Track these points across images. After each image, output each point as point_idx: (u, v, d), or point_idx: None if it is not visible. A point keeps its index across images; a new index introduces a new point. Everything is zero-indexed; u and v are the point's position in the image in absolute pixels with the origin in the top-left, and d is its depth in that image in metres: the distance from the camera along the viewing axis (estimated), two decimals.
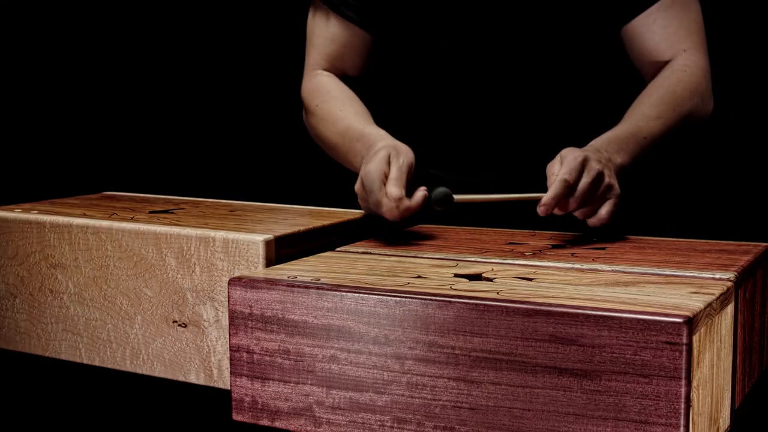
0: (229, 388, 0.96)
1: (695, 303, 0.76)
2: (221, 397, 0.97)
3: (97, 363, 1.09)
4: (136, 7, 2.26)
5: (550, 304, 0.76)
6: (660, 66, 1.30)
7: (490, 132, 1.33)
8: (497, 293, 0.81)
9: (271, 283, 0.87)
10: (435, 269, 0.92)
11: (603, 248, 1.03)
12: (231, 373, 0.89)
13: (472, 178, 1.34)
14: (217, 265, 1.00)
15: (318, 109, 1.32)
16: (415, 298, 0.81)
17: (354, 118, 1.27)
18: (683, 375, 0.72)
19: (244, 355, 0.88)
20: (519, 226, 1.18)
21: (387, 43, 1.35)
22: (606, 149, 1.17)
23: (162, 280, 1.03)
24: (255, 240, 0.98)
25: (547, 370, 0.76)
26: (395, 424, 0.82)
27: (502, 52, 1.29)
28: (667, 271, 0.90)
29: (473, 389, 0.79)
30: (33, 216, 1.12)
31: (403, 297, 0.81)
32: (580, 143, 1.17)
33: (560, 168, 1.07)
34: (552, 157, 1.11)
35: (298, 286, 0.85)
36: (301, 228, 1.05)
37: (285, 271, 0.92)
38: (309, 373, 0.85)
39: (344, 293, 0.83)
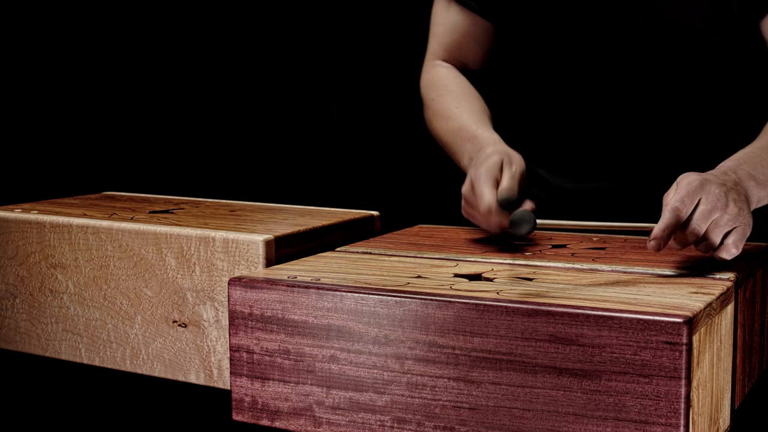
0: (229, 388, 0.96)
1: (695, 303, 0.76)
2: (221, 397, 0.97)
3: (97, 363, 1.09)
4: (137, 7, 2.26)
5: (550, 304, 0.76)
6: None
7: (606, 134, 1.24)
8: (497, 293, 0.81)
9: (271, 283, 0.87)
10: (435, 269, 0.92)
11: (603, 248, 1.03)
12: (231, 373, 0.89)
13: (576, 184, 1.25)
14: (217, 265, 1.00)
15: (433, 102, 1.27)
16: (415, 298, 0.81)
17: (468, 116, 1.21)
18: (683, 375, 0.72)
19: (244, 355, 0.88)
20: None
21: (508, 33, 1.27)
22: (736, 170, 1.02)
23: (162, 280, 1.03)
24: (255, 240, 0.98)
25: (547, 370, 0.76)
26: (395, 424, 0.82)
27: (628, 47, 1.19)
28: (667, 271, 0.90)
29: (473, 389, 0.79)
30: (33, 216, 1.12)
31: (403, 297, 0.81)
32: (711, 159, 1.05)
33: (674, 196, 0.93)
34: (675, 172, 0.99)
35: (298, 286, 0.85)
36: (301, 228, 1.05)
37: (285, 271, 0.92)
38: (309, 373, 0.85)
39: (344, 293, 0.83)
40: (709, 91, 1.20)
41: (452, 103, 1.24)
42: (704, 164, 1.02)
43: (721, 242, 0.93)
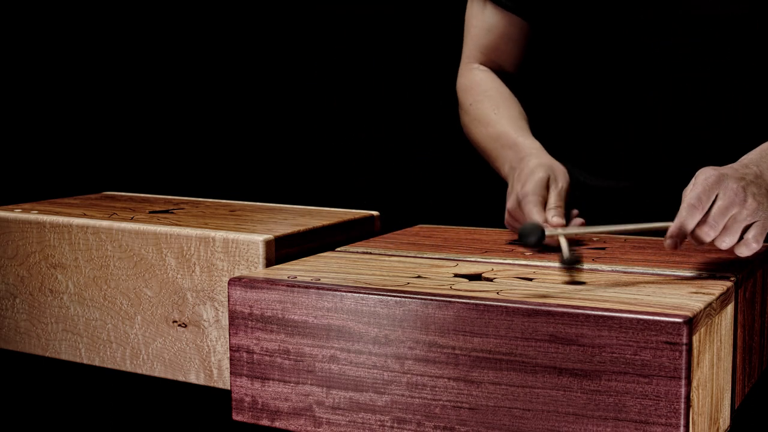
0: (229, 388, 0.96)
1: (695, 303, 0.76)
2: (221, 397, 0.97)
3: (97, 363, 1.09)
4: (137, 7, 2.26)
5: (550, 304, 0.76)
6: None
7: (636, 132, 1.22)
8: (497, 293, 0.81)
9: (271, 283, 0.87)
10: (435, 269, 0.92)
11: (603, 248, 1.03)
12: (231, 373, 0.89)
13: (610, 183, 1.24)
14: (217, 265, 1.00)
15: (471, 108, 1.26)
16: (415, 298, 0.81)
17: (507, 122, 1.20)
18: (683, 375, 0.72)
19: (244, 355, 0.88)
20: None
21: (542, 31, 1.26)
22: (758, 163, 1.00)
23: (162, 280, 1.03)
24: (255, 240, 0.98)
25: (547, 370, 0.76)
26: (395, 424, 0.82)
27: (662, 47, 1.17)
28: (667, 271, 0.90)
29: (473, 389, 0.79)
30: (33, 216, 1.12)
31: (403, 297, 0.81)
32: (734, 158, 1.02)
33: (690, 192, 0.92)
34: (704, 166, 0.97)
35: (298, 286, 0.85)
36: (301, 228, 1.05)
37: (285, 271, 0.92)
38: (309, 373, 0.85)
39: (344, 293, 0.83)
40: (731, 89, 1.19)
41: (491, 108, 1.23)
42: (731, 160, 1.01)
43: (741, 237, 0.91)
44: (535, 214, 1.02)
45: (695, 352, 0.73)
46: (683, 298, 0.78)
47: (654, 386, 0.72)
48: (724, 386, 0.83)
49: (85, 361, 1.10)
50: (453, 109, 1.37)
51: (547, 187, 1.06)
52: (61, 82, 2.22)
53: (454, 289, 0.82)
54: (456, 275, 0.89)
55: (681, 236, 0.91)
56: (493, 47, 1.27)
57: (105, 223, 1.07)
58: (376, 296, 0.82)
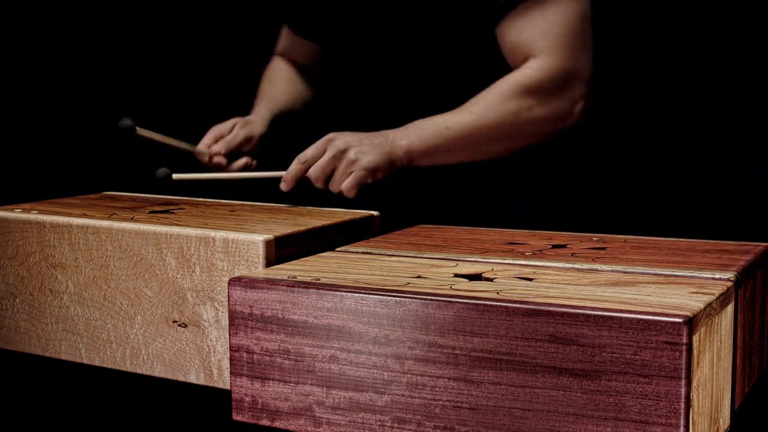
0: (229, 388, 0.96)
1: (695, 303, 0.76)
2: (221, 397, 0.97)
3: (97, 363, 1.09)
4: (136, 7, 2.26)
5: (550, 304, 0.76)
6: (518, 67, 1.42)
7: (381, 108, 1.59)
8: (497, 293, 0.81)
9: (271, 283, 0.87)
10: (435, 269, 0.92)
11: (603, 248, 1.03)
12: (231, 373, 0.89)
13: None
14: (217, 265, 1.00)
15: (261, 84, 1.75)
16: (415, 298, 0.81)
17: (266, 91, 1.71)
18: (683, 375, 0.72)
19: (244, 355, 0.88)
20: (519, 226, 1.18)
21: (324, 45, 1.71)
22: (395, 132, 1.40)
23: (162, 280, 1.03)
24: (255, 240, 0.98)
25: (547, 370, 0.76)
26: (395, 424, 0.82)
27: (394, 52, 1.55)
28: (667, 271, 0.90)
29: (473, 389, 0.79)
30: (33, 216, 1.12)
31: (403, 297, 0.81)
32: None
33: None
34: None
35: (298, 286, 0.85)
36: (301, 228, 1.05)
37: (285, 271, 0.92)
38: (309, 373, 0.85)
39: (344, 293, 0.83)
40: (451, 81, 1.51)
41: (267, 81, 1.75)
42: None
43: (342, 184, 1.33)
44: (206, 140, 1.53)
45: (695, 352, 0.73)
46: (683, 298, 0.78)
47: (654, 386, 0.72)
48: (724, 386, 0.83)
49: (85, 361, 1.10)
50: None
51: (231, 129, 1.54)
52: (61, 82, 2.22)
53: (454, 289, 0.82)
54: (456, 275, 0.89)
55: (290, 181, 1.34)
56: (290, 49, 1.76)
57: (105, 223, 1.07)
58: (376, 296, 0.82)
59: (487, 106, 1.39)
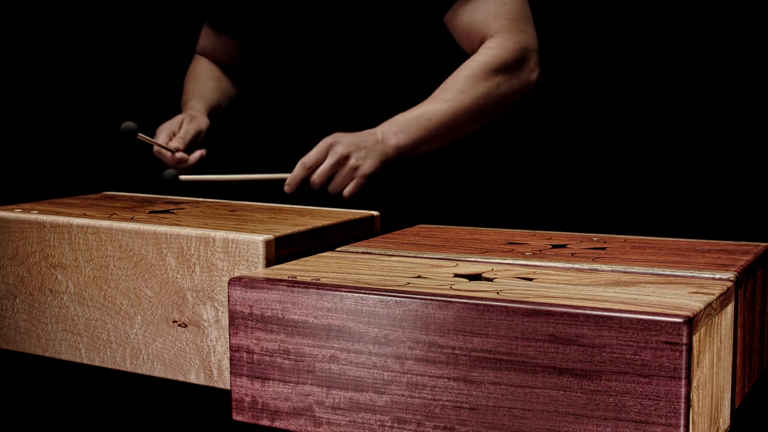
0: (229, 388, 0.96)
1: (695, 303, 0.76)
2: (221, 397, 0.97)
3: (97, 363, 1.09)
4: (136, 7, 2.26)
5: (550, 304, 0.76)
6: (474, 52, 1.49)
7: (333, 104, 1.67)
8: (497, 293, 0.81)
9: (271, 283, 0.87)
10: (435, 269, 0.92)
11: (603, 248, 1.03)
12: (231, 373, 0.89)
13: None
14: (217, 265, 1.00)
15: (186, 83, 1.82)
16: (415, 298, 0.81)
17: (191, 89, 1.78)
18: (683, 375, 0.72)
19: (244, 355, 0.88)
20: (519, 226, 1.18)
21: (247, 43, 1.78)
22: (383, 131, 1.44)
23: (162, 280, 1.03)
24: (255, 240, 0.98)
25: (547, 370, 0.76)
26: (395, 424, 0.82)
27: (334, 48, 1.61)
28: (667, 271, 0.90)
29: (473, 389, 0.79)
30: (33, 216, 1.12)
31: (403, 297, 0.81)
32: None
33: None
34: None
35: (298, 286, 0.85)
36: (301, 228, 1.05)
37: (285, 271, 0.92)
38: (309, 373, 0.86)
39: (344, 293, 0.83)
40: (403, 71, 1.60)
41: (191, 80, 1.82)
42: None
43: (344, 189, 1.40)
44: (161, 140, 1.55)
45: (695, 352, 0.73)
46: (683, 298, 0.78)
47: (654, 386, 0.72)
48: (724, 386, 0.83)
49: (85, 361, 1.10)
50: None
51: (180, 126, 1.59)
52: (61, 82, 2.22)
53: (454, 289, 0.82)
54: (456, 275, 0.89)
55: (294, 185, 1.40)
56: (211, 47, 1.84)
57: (105, 223, 1.07)
58: (376, 296, 0.82)
59: (460, 91, 1.45)
